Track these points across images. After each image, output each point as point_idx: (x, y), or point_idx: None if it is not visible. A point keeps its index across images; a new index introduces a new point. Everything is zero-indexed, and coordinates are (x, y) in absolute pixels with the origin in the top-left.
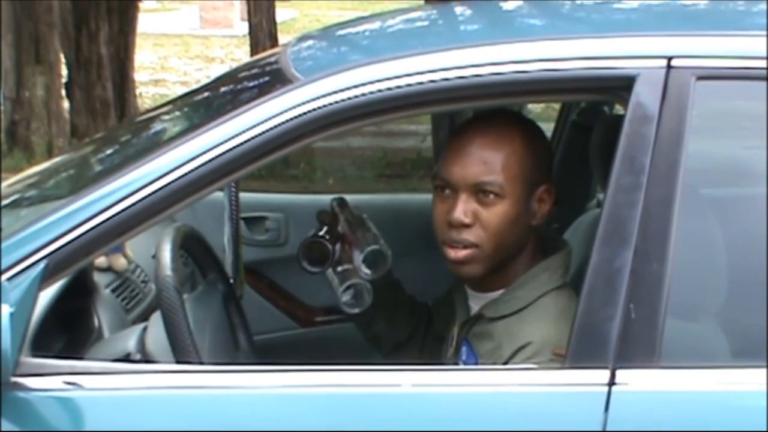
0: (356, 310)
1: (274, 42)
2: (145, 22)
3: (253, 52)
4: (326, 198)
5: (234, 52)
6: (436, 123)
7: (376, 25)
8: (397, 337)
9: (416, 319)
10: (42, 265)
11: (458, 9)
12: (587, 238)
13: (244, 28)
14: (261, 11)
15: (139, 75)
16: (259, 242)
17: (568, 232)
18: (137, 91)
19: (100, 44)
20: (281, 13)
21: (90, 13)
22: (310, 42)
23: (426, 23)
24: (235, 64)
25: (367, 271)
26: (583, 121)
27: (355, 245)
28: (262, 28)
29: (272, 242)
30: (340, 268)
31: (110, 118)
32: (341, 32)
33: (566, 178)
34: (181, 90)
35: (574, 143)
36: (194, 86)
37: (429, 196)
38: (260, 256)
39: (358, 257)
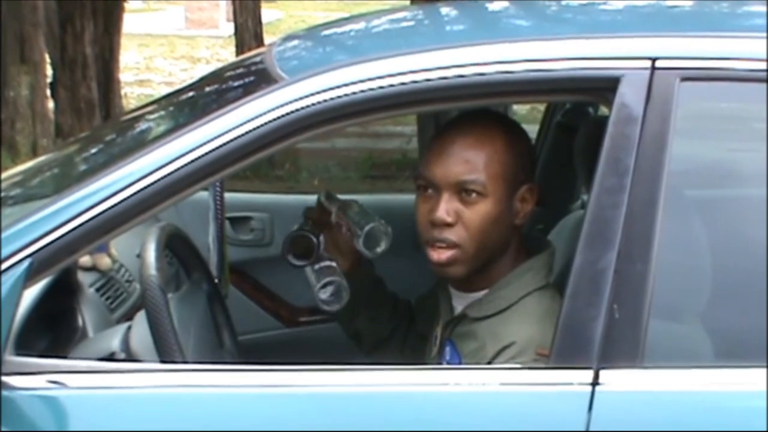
0: (333, 308)
1: (259, 42)
2: (131, 22)
3: (238, 53)
4: (312, 198)
5: (219, 52)
6: (421, 124)
7: (361, 25)
8: (378, 334)
9: (398, 317)
10: (26, 263)
11: (444, 9)
12: (572, 238)
13: (229, 28)
14: (246, 12)
15: (124, 75)
16: (244, 242)
17: (552, 232)
18: (122, 92)
19: (85, 44)
20: (267, 14)
21: (75, 13)
22: (295, 42)
23: (411, 23)
24: (220, 65)
25: (369, 251)
26: (568, 122)
27: (352, 228)
28: (247, 29)
29: (257, 242)
30: (317, 266)
31: (95, 118)
32: (326, 32)
33: (551, 179)
34: (166, 90)
35: (559, 144)
36: (179, 86)
37: (414, 197)
38: (245, 256)
39: (358, 239)
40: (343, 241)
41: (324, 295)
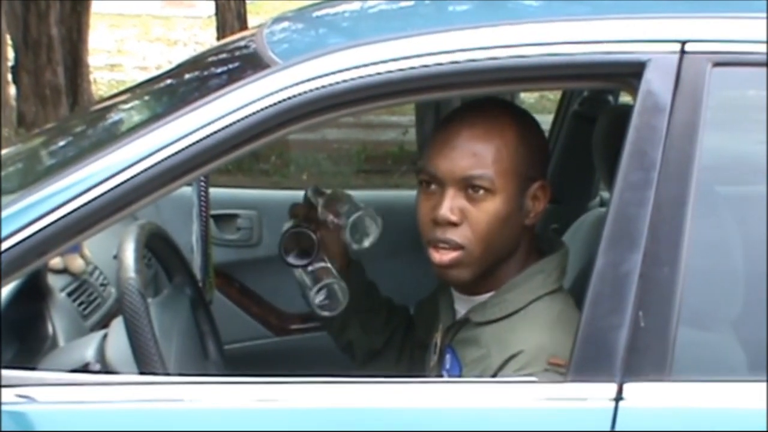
0: (330, 313)
1: (243, 24)
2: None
3: (220, 35)
4: (302, 194)
5: (198, 34)
6: (420, 113)
7: (357, 5)
8: (371, 345)
9: (393, 325)
10: None
11: None
12: (590, 239)
13: (208, 8)
14: None
15: (94, 59)
16: (230, 242)
17: (568, 232)
18: (91, 77)
19: (50, 24)
20: None
21: None
22: (287, 23)
23: (412, 4)
24: (199, 48)
25: (357, 244)
26: (586, 112)
27: (338, 221)
28: (230, 8)
29: (244, 242)
30: (311, 268)
31: (61, 105)
32: (320, 13)
33: (567, 174)
34: (140, 76)
35: (575, 136)
36: (158, 71)
37: (414, 193)
38: (230, 258)
39: (344, 230)
40: (331, 239)
41: (320, 298)
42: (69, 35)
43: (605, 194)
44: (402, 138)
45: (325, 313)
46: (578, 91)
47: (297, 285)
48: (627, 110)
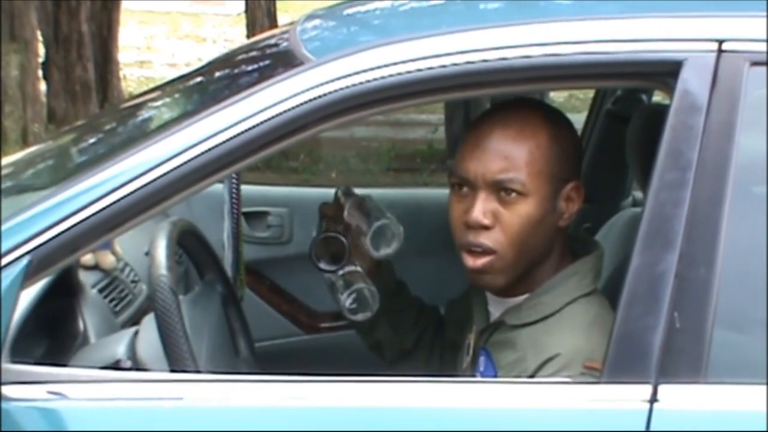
0: (361, 317)
1: (273, 21)
2: None
3: (250, 32)
4: (333, 192)
5: (227, 31)
6: (449, 112)
7: (389, 3)
8: (401, 345)
9: (423, 325)
10: (24, 261)
11: None
12: (623, 239)
13: (237, 6)
14: None
15: (123, 55)
16: (260, 239)
17: (600, 232)
18: (121, 73)
19: (80, 21)
20: None
21: None
22: (320, 21)
23: (443, 1)
24: (228, 45)
25: (375, 251)
26: (619, 111)
27: (362, 227)
28: (260, 6)
29: (275, 240)
30: (341, 271)
31: (91, 101)
32: (353, 10)
33: (599, 174)
34: (169, 72)
35: (608, 135)
36: (190, 68)
37: (446, 191)
38: (261, 255)
39: (365, 237)
40: (359, 241)
41: (350, 302)
42: (99, 32)
43: (638, 194)
44: (431, 136)
45: (356, 317)
46: (611, 90)
47: (327, 287)
48: (661, 109)
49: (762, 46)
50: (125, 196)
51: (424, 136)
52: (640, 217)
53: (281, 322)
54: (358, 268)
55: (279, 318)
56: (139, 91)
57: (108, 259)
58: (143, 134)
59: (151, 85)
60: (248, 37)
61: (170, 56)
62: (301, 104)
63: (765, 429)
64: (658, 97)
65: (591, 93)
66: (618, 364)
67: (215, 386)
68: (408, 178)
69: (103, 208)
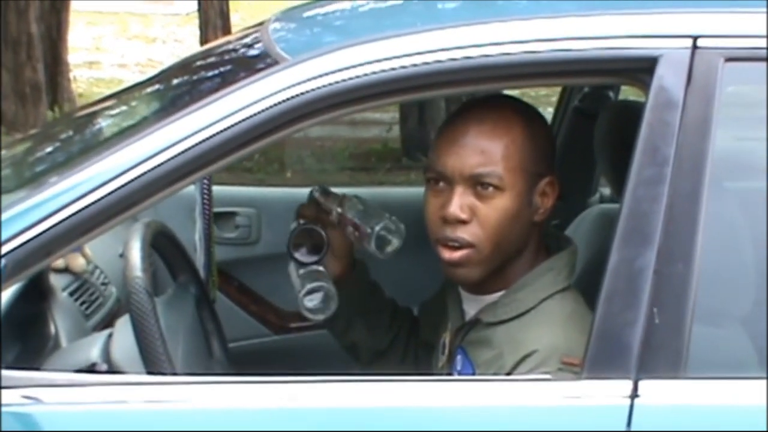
0: (320, 317)
1: (225, 21)
2: None
3: (202, 32)
4: (301, 191)
5: (176, 31)
6: (404, 111)
7: (365, 1)
8: (376, 345)
9: (398, 325)
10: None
11: None
12: (591, 236)
13: (186, 5)
14: None
15: (72, 56)
16: (228, 240)
17: (569, 229)
18: (71, 75)
19: (30, 22)
20: None
21: None
22: (293, 19)
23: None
24: (178, 45)
25: (381, 252)
26: (587, 108)
27: (361, 228)
28: (212, 6)
29: (242, 240)
30: (302, 270)
31: (41, 103)
32: (327, 9)
33: (567, 170)
34: (119, 73)
35: (575, 132)
36: (160, 68)
37: (412, 190)
38: (229, 256)
39: (369, 240)
40: (338, 239)
41: (310, 302)
42: (48, 33)
43: (605, 190)
44: (386, 135)
45: (314, 317)
46: (578, 87)
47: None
48: (628, 106)
49: (737, 42)
50: (101, 198)
51: (379, 135)
52: (614, 213)
53: (251, 323)
54: (321, 268)
55: (248, 318)
56: (89, 92)
57: (78, 262)
58: (118, 136)
59: (102, 86)
60: (201, 36)
61: (120, 57)
62: (278, 103)
63: (744, 423)
64: (625, 94)
65: (558, 89)
66: (598, 360)
67: (193, 388)
68: (364, 177)
69: (79, 211)
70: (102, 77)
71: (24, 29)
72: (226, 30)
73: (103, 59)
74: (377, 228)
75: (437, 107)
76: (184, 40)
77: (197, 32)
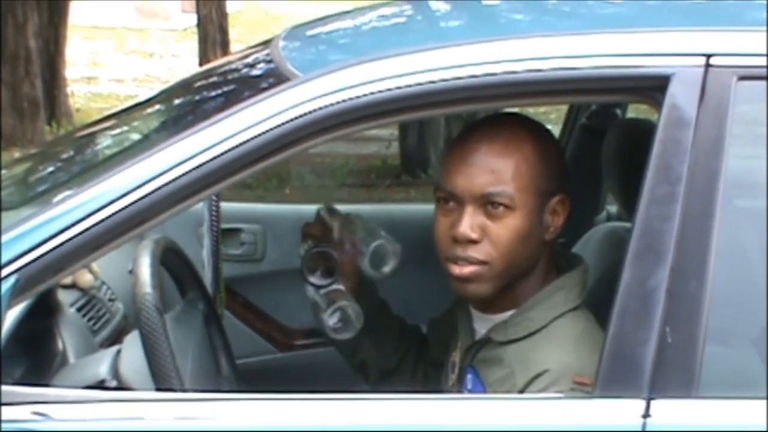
0: (345, 336)
1: (224, 35)
2: (74, 12)
3: (202, 47)
4: (307, 208)
5: (173, 47)
6: (403, 128)
7: (374, 18)
8: (385, 364)
9: (406, 343)
10: (12, 280)
11: (467, 2)
12: (599, 254)
13: (183, 21)
14: (210, 2)
15: (70, 71)
16: (234, 257)
17: (576, 247)
18: (68, 89)
19: (28, 37)
20: (227, 6)
21: (17, 2)
22: (302, 36)
23: (431, 17)
24: (175, 60)
25: (375, 272)
26: (594, 125)
27: (357, 246)
28: (211, 20)
29: (248, 257)
30: (324, 290)
31: (39, 118)
32: (336, 25)
33: (574, 188)
34: (116, 88)
35: (583, 149)
36: (169, 84)
37: (419, 207)
38: (234, 272)
39: (363, 258)
40: (345, 261)
41: (333, 321)
42: (46, 47)
43: (612, 208)
44: (385, 152)
45: (339, 336)
46: (586, 105)
47: (300, 301)
48: (637, 123)
49: (749, 61)
50: (113, 215)
51: (378, 151)
52: (622, 232)
53: (257, 339)
54: (341, 287)
55: (254, 335)
56: (86, 107)
57: (86, 278)
58: (129, 152)
59: (99, 101)
60: (200, 51)
61: (116, 72)
62: (290, 120)
63: None
64: (633, 112)
65: (560, 107)
66: (610, 379)
67: (203, 405)
68: (363, 194)
69: (91, 227)
70: (99, 92)
71: (22, 44)
72: (225, 45)
73: (100, 74)
74: (371, 247)
75: (436, 124)
76: (181, 55)
77: (194, 47)
